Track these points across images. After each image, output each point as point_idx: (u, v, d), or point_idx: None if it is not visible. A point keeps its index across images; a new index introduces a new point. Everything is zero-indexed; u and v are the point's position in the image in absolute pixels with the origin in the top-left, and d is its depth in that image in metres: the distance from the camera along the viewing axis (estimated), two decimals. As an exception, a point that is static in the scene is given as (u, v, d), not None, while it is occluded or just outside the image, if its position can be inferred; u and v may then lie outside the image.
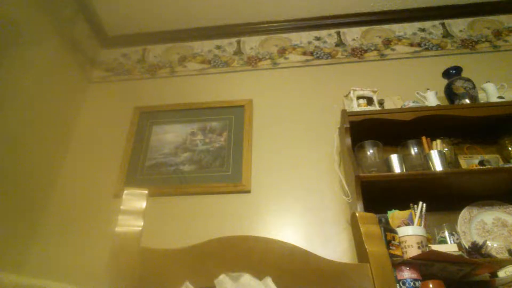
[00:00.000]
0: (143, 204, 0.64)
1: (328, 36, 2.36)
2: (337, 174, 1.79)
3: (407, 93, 1.92)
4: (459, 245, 1.43)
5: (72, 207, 1.89)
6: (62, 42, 2.12)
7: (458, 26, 2.28)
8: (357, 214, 0.71)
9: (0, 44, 1.74)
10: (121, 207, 0.63)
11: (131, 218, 0.63)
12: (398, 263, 1.28)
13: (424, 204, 1.47)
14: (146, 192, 0.66)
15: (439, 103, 1.76)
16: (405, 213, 1.48)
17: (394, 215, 1.49)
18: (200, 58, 2.38)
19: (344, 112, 1.73)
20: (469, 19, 2.29)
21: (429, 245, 1.39)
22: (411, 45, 2.24)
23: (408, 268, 1.27)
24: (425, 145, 1.63)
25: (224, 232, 1.67)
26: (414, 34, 2.28)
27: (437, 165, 1.55)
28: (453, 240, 1.48)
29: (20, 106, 1.82)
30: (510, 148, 1.67)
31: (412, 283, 1.24)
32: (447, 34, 2.25)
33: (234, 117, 2.08)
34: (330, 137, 1.90)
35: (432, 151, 1.59)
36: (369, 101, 1.80)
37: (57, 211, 1.89)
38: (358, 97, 1.80)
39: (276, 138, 1.98)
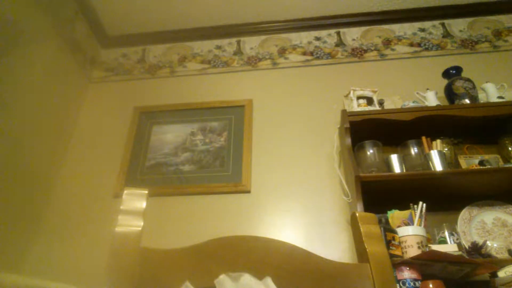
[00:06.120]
0: (143, 204, 0.64)
1: (328, 36, 2.36)
2: (337, 174, 1.79)
3: (407, 93, 1.92)
4: (459, 245, 1.43)
5: (72, 207, 1.89)
6: (62, 42, 2.12)
7: (458, 26, 2.28)
8: (357, 214, 0.71)
9: (0, 44, 1.74)
10: (121, 207, 0.63)
11: (131, 218, 0.63)
12: (398, 263, 1.28)
13: (424, 204, 1.47)
14: (146, 192, 0.66)
15: (439, 103, 1.76)
16: (405, 213, 1.48)
17: (394, 215, 1.49)
18: (200, 58, 2.38)
19: (344, 112, 1.73)
20: (469, 19, 2.29)
21: (429, 245, 1.39)
22: (411, 45, 2.24)
23: (408, 268, 1.27)
24: (425, 145, 1.63)
25: (224, 232, 1.67)
26: (414, 34, 2.28)
27: (437, 165, 1.55)
28: (453, 240, 1.48)
29: (20, 106, 1.82)
30: (510, 148, 1.67)
31: (412, 283, 1.24)
32: (447, 34, 2.25)
33: (234, 117, 2.08)
34: (330, 137, 1.90)
35: (432, 151, 1.59)
36: (369, 101, 1.80)
37: (57, 211, 1.89)
38: (358, 97, 1.80)
39: (276, 138, 1.98)
